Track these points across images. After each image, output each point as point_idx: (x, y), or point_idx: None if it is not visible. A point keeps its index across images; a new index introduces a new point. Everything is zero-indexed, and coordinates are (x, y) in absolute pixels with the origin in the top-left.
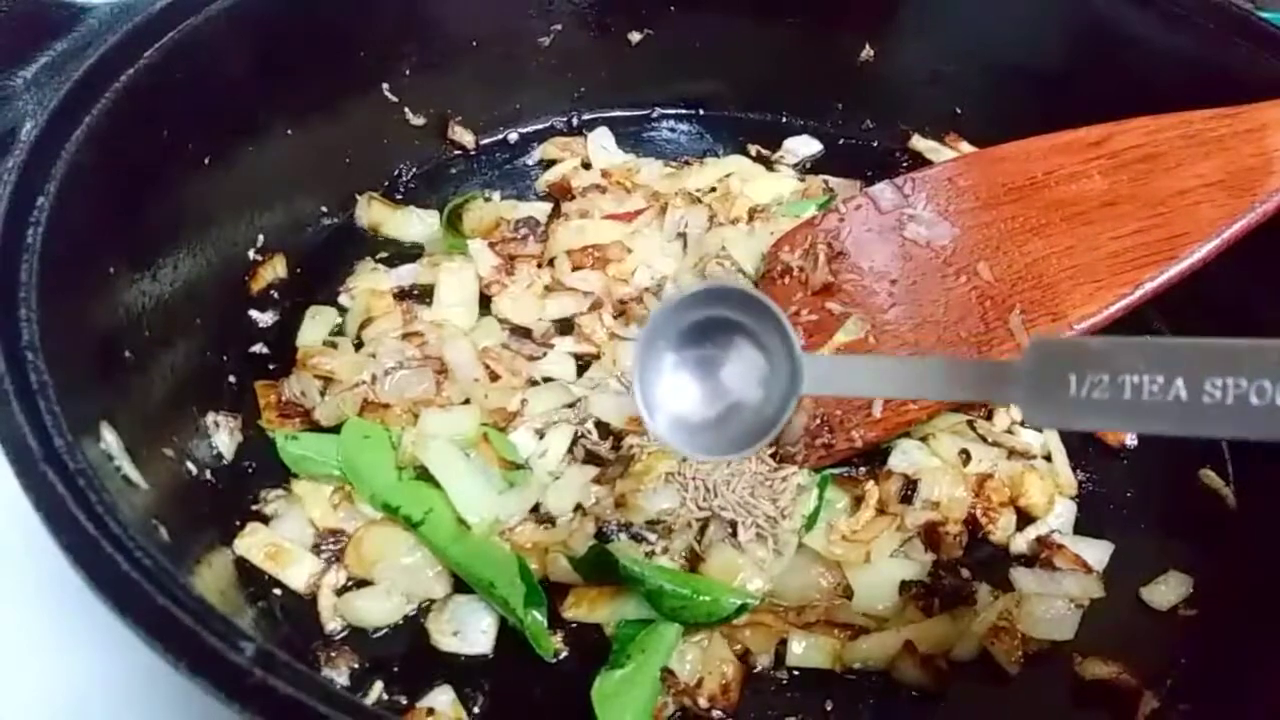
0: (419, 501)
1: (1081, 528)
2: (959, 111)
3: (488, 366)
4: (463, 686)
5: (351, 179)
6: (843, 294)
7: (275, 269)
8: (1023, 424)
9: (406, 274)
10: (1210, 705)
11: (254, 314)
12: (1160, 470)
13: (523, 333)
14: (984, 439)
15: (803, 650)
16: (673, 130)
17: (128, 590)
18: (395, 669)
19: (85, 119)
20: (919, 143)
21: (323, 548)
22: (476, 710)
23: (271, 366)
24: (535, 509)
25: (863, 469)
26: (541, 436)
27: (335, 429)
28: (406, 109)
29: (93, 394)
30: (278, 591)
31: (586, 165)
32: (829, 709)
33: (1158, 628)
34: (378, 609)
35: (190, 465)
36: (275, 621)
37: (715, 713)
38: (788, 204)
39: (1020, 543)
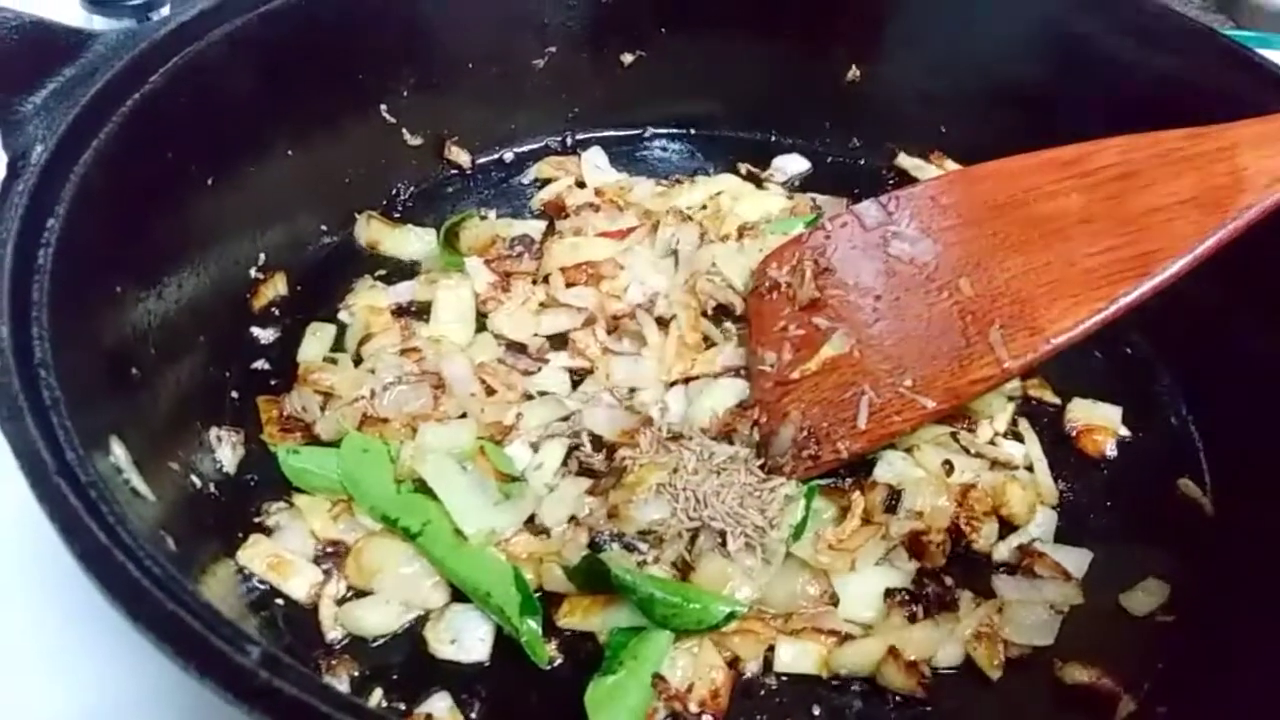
0: (417, 513)
1: (1062, 536)
2: (944, 130)
3: (484, 381)
4: (460, 693)
5: (351, 198)
6: (829, 309)
7: (276, 287)
8: (1005, 435)
9: (404, 291)
10: (1187, 707)
11: (256, 331)
12: (1139, 480)
13: (518, 348)
14: (967, 450)
15: (790, 656)
16: (665, 149)
17: (139, 597)
18: (394, 676)
19: (93, 142)
20: (905, 161)
21: (323, 559)
22: (473, 716)
23: (273, 382)
24: (530, 520)
25: (849, 480)
26: (536, 449)
27: (335, 443)
28: (404, 129)
29: (102, 409)
30: (280, 601)
31: (581, 184)
32: (816, 714)
33: (1136, 633)
34: (377, 618)
35: (195, 478)
36: (277, 630)
37: (705, 718)
38: (776, 221)
39: (1002, 551)
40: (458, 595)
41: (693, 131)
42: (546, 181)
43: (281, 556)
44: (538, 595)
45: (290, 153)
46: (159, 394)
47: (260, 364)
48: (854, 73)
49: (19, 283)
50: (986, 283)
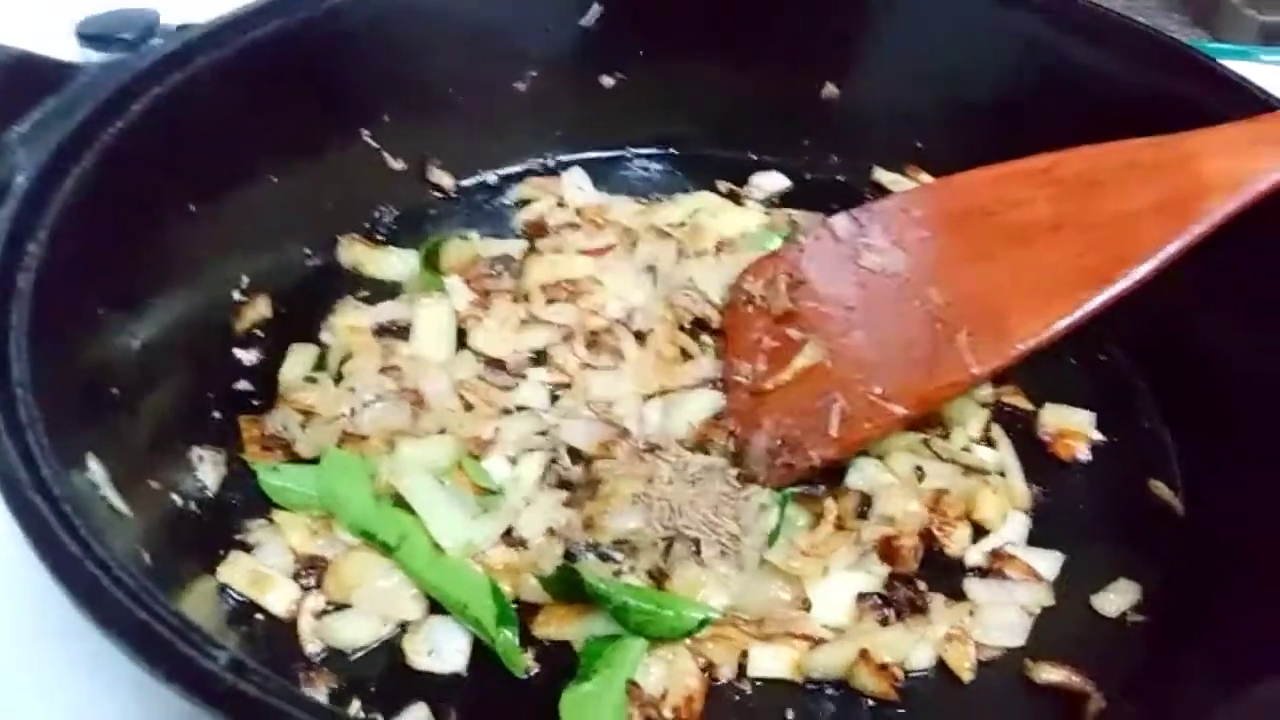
0: (395, 528)
1: (1035, 539)
2: (920, 146)
3: (463, 397)
4: (437, 703)
5: (333, 221)
6: (802, 320)
7: (259, 309)
8: (979, 441)
9: (386, 311)
10: (1156, 704)
11: (238, 352)
12: (1111, 483)
13: (497, 365)
14: (939, 456)
15: (763, 661)
16: (645, 169)
17: (109, 605)
18: (372, 688)
19: (75, 170)
20: (882, 175)
21: (303, 574)
22: None
23: (255, 402)
24: (508, 533)
25: (823, 487)
26: (514, 463)
27: (316, 460)
28: (387, 154)
29: (81, 429)
30: (259, 616)
31: (562, 204)
32: (790, 718)
33: (1107, 633)
34: (355, 631)
35: (176, 497)
36: (257, 645)
37: None
38: (753, 236)
39: (975, 555)
40: (436, 607)
41: (673, 151)
42: (529, 202)
43: (261, 572)
44: (514, 606)
45: (273, 179)
46: (140, 414)
47: (243, 384)
48: (830, 91)
49: (0, 307)
50: (956, 291)
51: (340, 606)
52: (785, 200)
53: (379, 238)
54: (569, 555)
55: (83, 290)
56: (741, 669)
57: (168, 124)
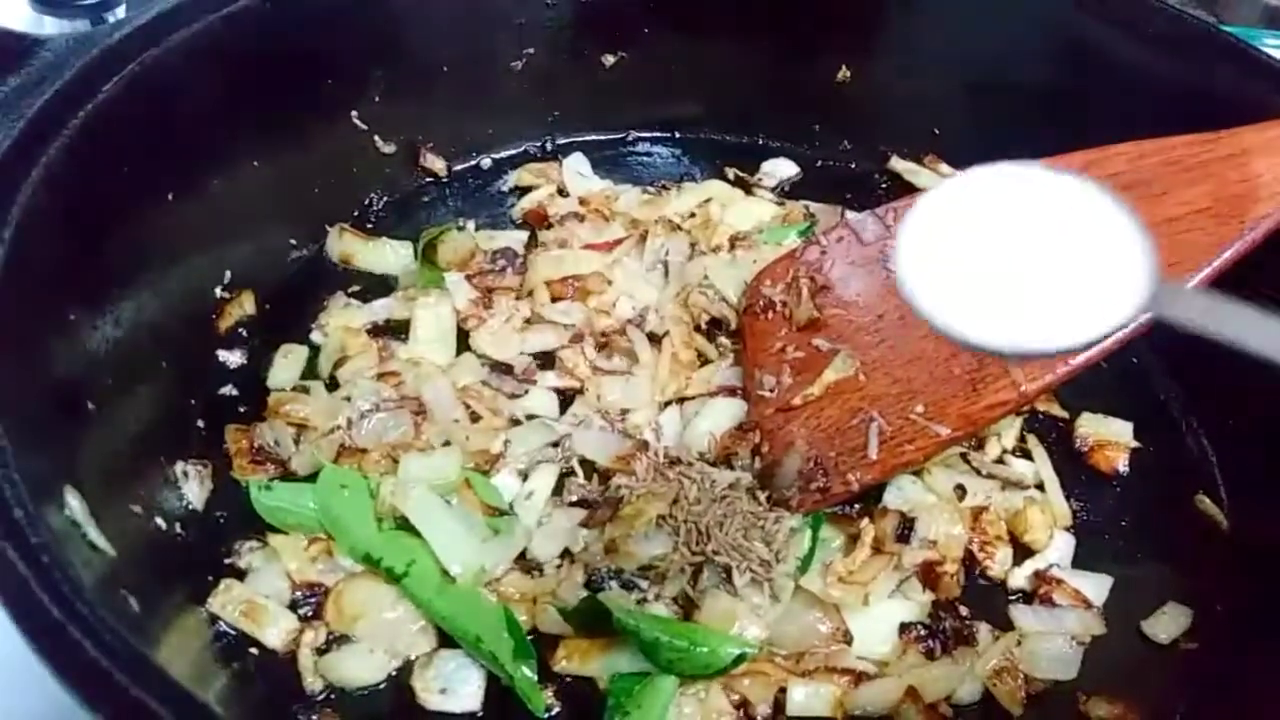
0: (401, 553)
1: (1079, 559)
2: (937, 132)
3: (468, 406)
4: None
5: (321, 210)
6: (829, 329)
7: (243, 306)
8: (1013, 452)
9: (380, 309)
10: None
11: (222, 354)
12: (1153, 496)
13: (503, 369)
14: (977, 471)
15: (803, 699)
16: (649, 154)
17: (98, 680)
18: None
19: (41, 158)
20: (898, 164)
21: (301, 603)
22: None
23: (242, 409)
24: (521, 557)
25: (856, 506)
26: (525, 478)
27: (311, 477)
28: (376, 136)
29: (54, 451)
30: (254, 651)
31: (562, 191)
32: None
33: (1160, 663)
34: (360, 667)
35: (159, 520)
36: (252, 683)
37: None
38: (769, 230)
39: (1019, 578)
40: (446, 640)
41: (677, 135)
42: (526, 189)
43: (255, 602)
44: (531, 638)
45: (255, 163)
46: (117, 428)
47: (228, 390)
48: (844, 73)
49: None
50: None
51: (342, 639)
52: (796, 188)
53: (369, 227)
54: (589, 583)
55: (52, 289)
56: (779, 706)
57: (142, 105)
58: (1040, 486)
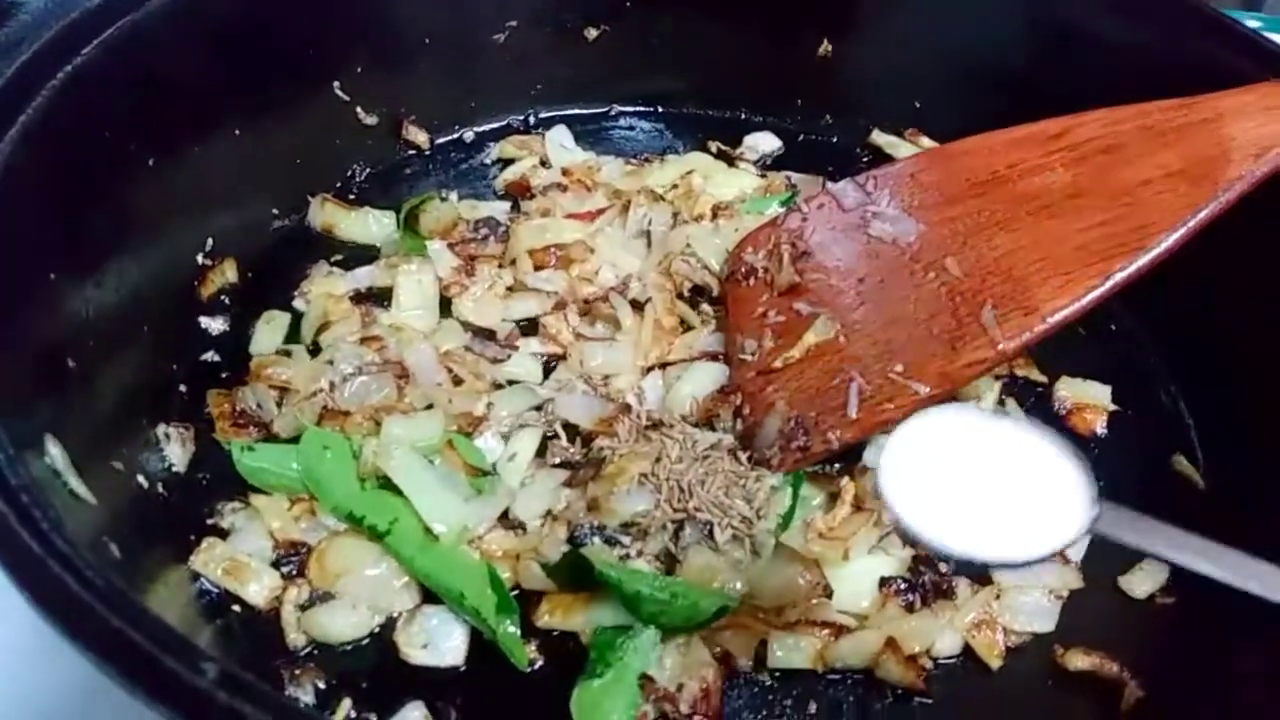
0: (384, 511)
1: None
2: (919, 106)
3: (450, 370)
4: (434, 701)
5: (303, 180)
6: (810, 294)
7: (225, 274)
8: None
9: (363, 276)
10: (1193, 692)
11: (205, 321)
12: (1132, 458)
13: (486, 335)
14: None
15: (784, 652)
16: (631, 128)
17: (78, 611)
18: (363, 685)
19: (20, 120)
20: (879, 138)
21: (283, 561)
22: None
23: (224, 374)
24: (504, 515)
25: (837, 465)
26: (508, 441)
27: (294, 439)
28: (358, 108)
29: (36, 407)
30: (237, 608)
31: (545, 164)
32: (812, 711)
33: (1137, 616)
34: (343, 623)
35: (141, 479)
36: (235, 640)
37: (696, 718)
38: (751, 200)
39: None
40: (429, 597)
41: (660, 109)
42: (509, 162)
43: (238, 560)
44: (515, 594)
45: (238, 132)
46: (99, 389)
47: (210, 356)
48: (825, 48)
49: None
50: (974, 262)
51: (326, 597)
52: (779, 162)
53: (351, 198)
54: (572, 540)
55: (33, 253)
56: (760, 659)
57: (122, 70)
58: None
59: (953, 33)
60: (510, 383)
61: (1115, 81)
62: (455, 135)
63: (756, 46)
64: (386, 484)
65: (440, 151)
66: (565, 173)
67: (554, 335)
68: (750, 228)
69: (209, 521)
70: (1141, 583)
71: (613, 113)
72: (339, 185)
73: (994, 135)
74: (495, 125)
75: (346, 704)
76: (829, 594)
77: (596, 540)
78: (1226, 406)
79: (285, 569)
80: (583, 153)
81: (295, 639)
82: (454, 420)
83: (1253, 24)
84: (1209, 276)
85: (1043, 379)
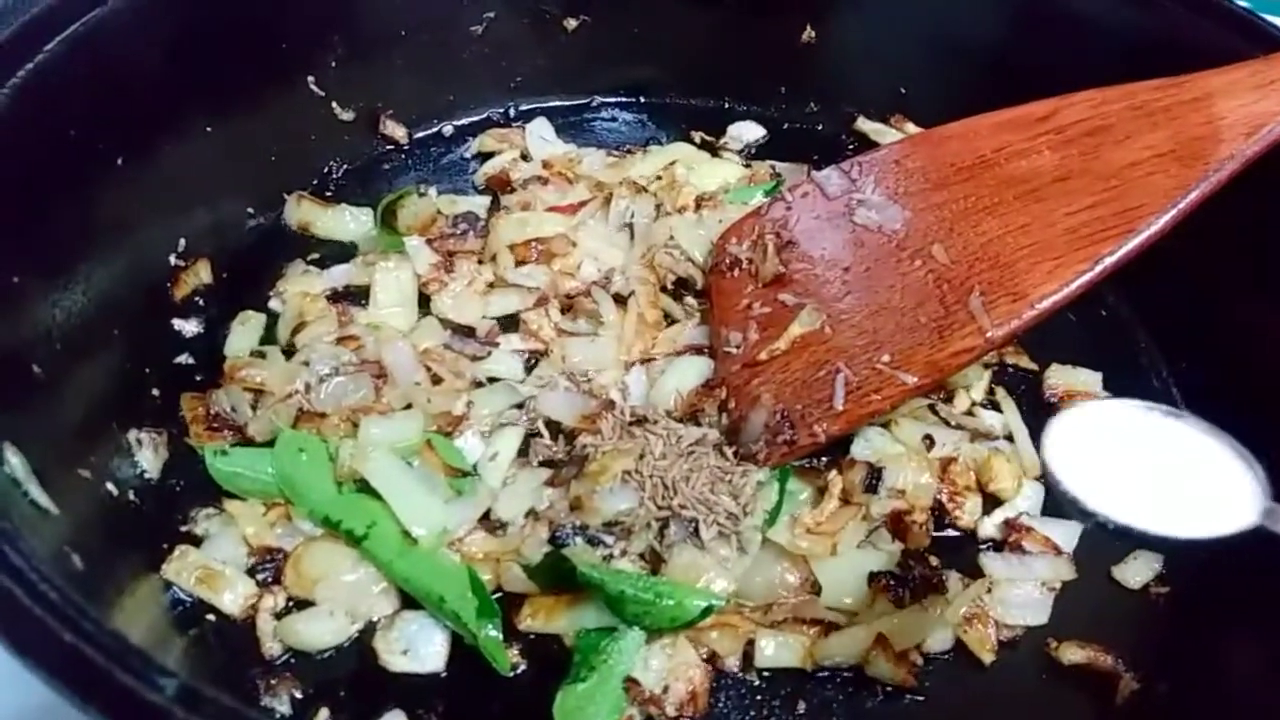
0: (361, 515)
1: (1048, 508)
2: (904, 91)
3: (429, 369)
4: (415, 708)
5: (278, 177)
6: (795, 284)
7: (199, 275)
8: (982, 405)
9: (340, 275)
10: (1189, 683)
11: (177, 323)
12: None
13: (465, 332)
14: (946, 422)
15: (772, 650)
16: (613, 119)
17: (27, 626)
18: (342, 694)
19: None
20: (864, 125)
21: (259, 569)
22: None
23: (199, 377)
24: (485, 517)
25: (824, 458)
26: (489, 440)
27: (269, 443)
28: (334, 103)
29: None
30: (211, 618)
31: (525, 157)
32: (801, 710)
33: (1131, 607)
34: (320, 630)
35: (111, 486)
36: (209, 650)
37: None
38: (735, 190)
39: (988, 527)
40: (409, 602)
41: (642, 99)
42: (488, 155)
43: (212, 568)
44: (496, 597)
45: (209, 129)
46: (67, 395)
47: (184, 358)
48: (808, 34)
49: None
50: (962, 248)
51: (302, 604)
52: (762, 151)
53: (328, 195)
54: (554, 540)
55: None
56: (748, 659)
57: (86, 65)
58: (1009, 437)
59: (937, 16)
60: (491, 380)
61: (1102, 62)
62: (434, 129)
63: (739, 34)
64: (364, 487)
65: (419, 146)
66: (546, 165)
67: (535, 331)
68: (734, 218)
69: (182, 529)
70: (1136, 573)
71: (594, 104)
72: (315, 182)
73: (979, 119)
74: (475, 118)
75: (324, 713)
76: (817, 590)
77: (579, 540)
78: (1215, 393)
79: (260, 576)
80: (564, 145)
81: (271, 647)
82: (433, 420)
83: (1242, 1)
84: (1199, 259)
85: (1033, 367)
